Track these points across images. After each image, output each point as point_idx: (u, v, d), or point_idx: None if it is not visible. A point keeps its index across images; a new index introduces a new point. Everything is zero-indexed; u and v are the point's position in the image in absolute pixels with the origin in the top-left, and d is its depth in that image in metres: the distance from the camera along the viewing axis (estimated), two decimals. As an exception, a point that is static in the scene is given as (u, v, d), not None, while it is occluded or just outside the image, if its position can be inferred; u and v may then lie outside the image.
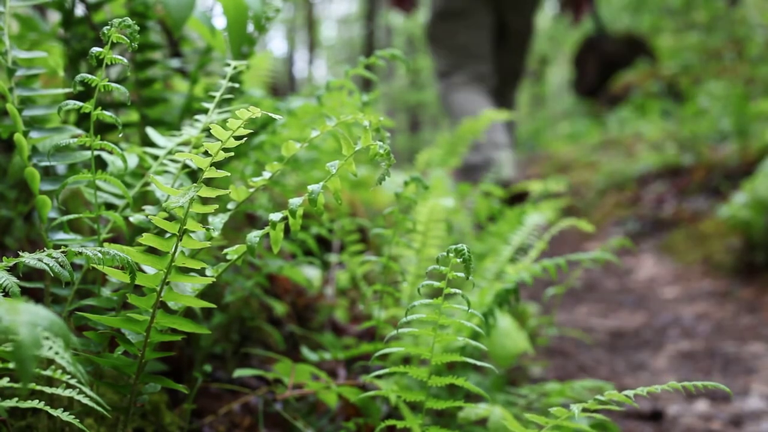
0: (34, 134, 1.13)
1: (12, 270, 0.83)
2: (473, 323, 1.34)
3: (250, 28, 1.48)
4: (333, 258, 2.12)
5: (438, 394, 1.39)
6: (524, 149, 10.91)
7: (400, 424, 1.07)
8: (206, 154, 0.93)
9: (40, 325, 0.62)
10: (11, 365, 0.82)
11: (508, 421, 1.10)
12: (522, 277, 1.53)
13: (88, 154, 1.14)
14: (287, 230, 1.12)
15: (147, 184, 1.23)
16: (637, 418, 2.18)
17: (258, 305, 1.74)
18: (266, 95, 1.81)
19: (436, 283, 1.00)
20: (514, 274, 1.55)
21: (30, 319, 0.61)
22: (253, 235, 0.94)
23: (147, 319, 0.96)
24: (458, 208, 2.32)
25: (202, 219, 1.04)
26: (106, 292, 1.12)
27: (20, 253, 0.84)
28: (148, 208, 1.13)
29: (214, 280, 0.99)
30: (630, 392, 0.95)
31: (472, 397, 1.70)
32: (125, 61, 0.98)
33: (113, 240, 1.17)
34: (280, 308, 1.74)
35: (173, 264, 0.94)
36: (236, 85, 1.22)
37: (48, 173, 1.22)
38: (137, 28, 0.97)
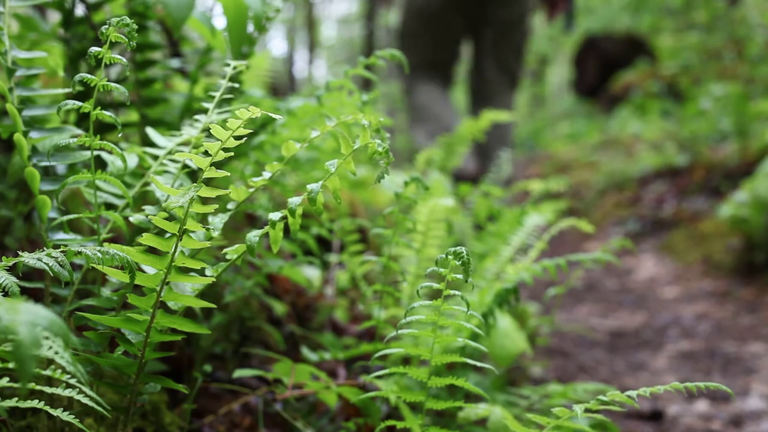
0: (34, 134, 1.13)
1: (12, 270, 0.83)
2: (473, 324, 1.34)
3: (250, 28, 1.48)
4: (333, 258, 2.12)
5: (438, 394, 1.39)
6: (524, 149, 10.91)
7: (400, 425, 1.07)
8: (206, 154, 0.93)
9: (40, 324, 0.62)
10: (11, 365, 0.82)
11: (509, 420, 1.10)
12: (522, 277, 1.53)
13: (87, 154, 1.14)
14: (287, 230, 1.12)
15: (147, 184, 1.23)
16: (637, 418, 2.18)
17: (258, 305, 1.74)
18: (266, 95, 1.81)
19: (436, 285, 1.00)
20: (514, 274, 1.55)
21: (29, 318, 0.61)
22: (253, 235, 0.94)
23: (147, 319, 0.96)
24: (458, 208, 2.32)
25: (202, 219, 1.04)
26: (106, 292, 1.12)
27: (20, 253, 0.84)
28: (148, 208, 1.12)
29: (214, 280, 0.99)
30: (633, 393, 0.95)
31: (471, 398, 1.70)
32: (125, 61, 0.98)
33: (113, 240, 1.17)
34: (280, 308, 1.74)
35: (173, 264, 0.94)
36: (236, 85, 1.22)
37: (48, 173, 1.22)
38: (136, 27, 0.97)
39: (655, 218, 5.32)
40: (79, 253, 0.87)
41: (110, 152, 1.23)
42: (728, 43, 8.32)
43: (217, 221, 1.04)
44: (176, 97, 1.64)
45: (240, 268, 1.58)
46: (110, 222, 1.15)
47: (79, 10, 1.55)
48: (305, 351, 1.56)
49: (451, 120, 4.15)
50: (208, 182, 0.97)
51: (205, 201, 1.15)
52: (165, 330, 0.99)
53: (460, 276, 0.97)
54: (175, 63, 1.84)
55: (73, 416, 0.91)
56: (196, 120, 1.26)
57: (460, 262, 0.95)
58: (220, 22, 1.59)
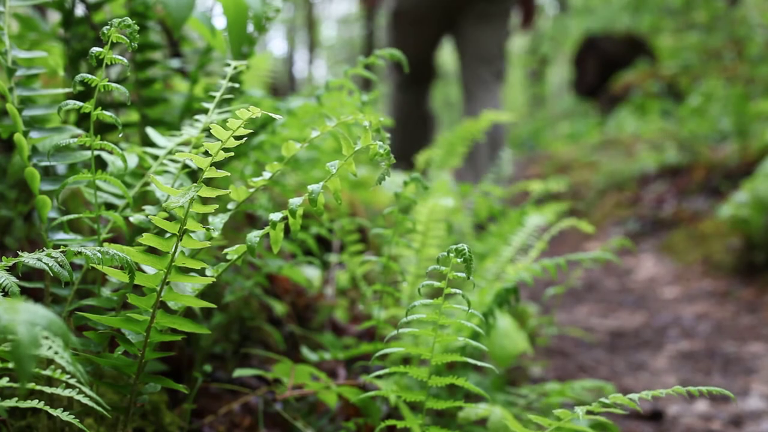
0: (34, 134, 1.13)
1: (12, 270, 0.83)
2: (473, 323, 1.34)
3: (250, 28, 1.48)
4: (333, 258, 2.12)
5: (438, 394, 1.39)
6: (524, 149, 10.91)
7: (400, 424, 1.07)
8: (206, 154, 0.93)
9: (39, 324, 0.62)
10: (10, 365, 0.82)
11: (509, 420, 1.10)
12: (522, 277, 1.53)
13: (88, 154, 1.14)
14: (287, 230, 1.12)
15: (147, 184, 1.23)
16: (637, 418, 2.18)
17: (258, 305, 1.74)
18: (266, 95, 1.81)
19: (437, 283, 1.00)
20: (514, 274, 1.55)
21: (29, 318, 0.61)
22: (253, 235, 0.94)
23: (147, 319, 0.96)
24: (458, 208, 2.32)
25: (202, 219, 1.04)
26: (106, 292, 1.12)
27: (20, 253, 0.84)
28: (148, 208, 1.12)
29: (214, 280, 0.99)
30: (634, 396, 0.94)
31: (472, 397, 1.70)
32: (125, 61, 0.98)
33: (113, 240, 1.17)
34: (280, 308, 1.74)
35: (173, 264, 0.94)
36: (236, 85, 1.22)
37: (48, 173, 1.22)
38: (137, 28, 0.97)
39: (655, 218, 5.32)
40: (79, 253, 0.87)
41: (110, 152, 1.23)
42: (728, 43, 8.32)
43: (217, 221, 1.03)
44: (176, 97, 1.64)
45: (240, 268, 1.58)
46: (110, 222, 1.15)
47: (79, 10, 1.55)
48: (305, 351, 1.56)
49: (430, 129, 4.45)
50: (208, 182, 0.97)
51: (205, 201, 1.15)
52: (165, 330, 0.99)
53: (461, 274, 0.97)
54: (175, 63, 1.84)
55: (73, 416, 0.91)
56: (196, 120, 1.26)
57: (462, 260, 0.95)
58: (220, 22, 1.59)
